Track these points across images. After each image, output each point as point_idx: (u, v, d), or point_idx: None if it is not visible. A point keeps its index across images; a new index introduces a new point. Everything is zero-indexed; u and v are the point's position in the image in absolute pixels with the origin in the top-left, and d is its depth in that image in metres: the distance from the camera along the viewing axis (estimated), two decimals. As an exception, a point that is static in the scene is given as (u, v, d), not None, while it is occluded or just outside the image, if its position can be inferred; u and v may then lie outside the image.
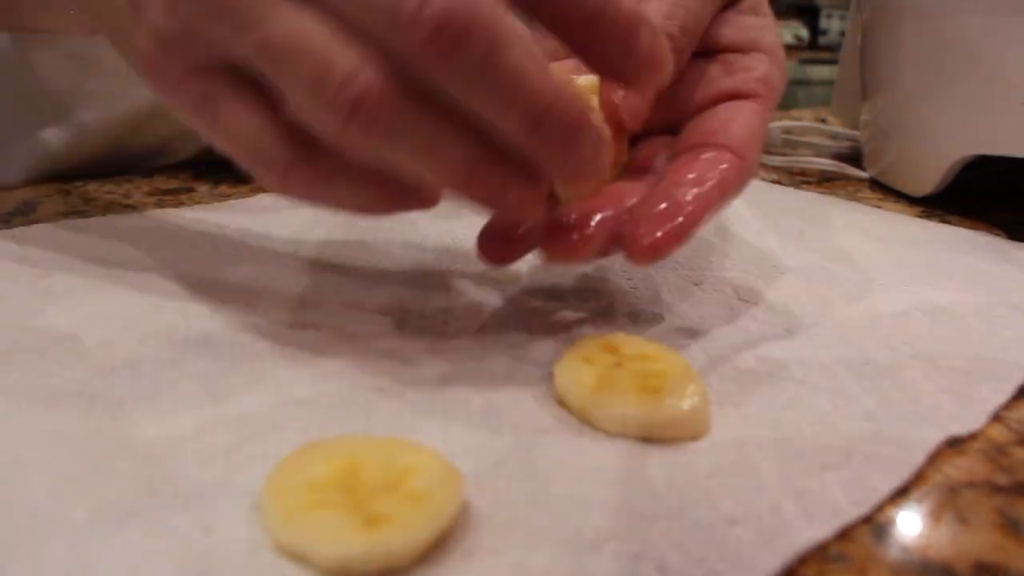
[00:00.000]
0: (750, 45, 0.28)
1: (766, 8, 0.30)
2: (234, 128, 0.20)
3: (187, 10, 0.19)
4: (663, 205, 0.23)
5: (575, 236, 0.24)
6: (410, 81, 0.19)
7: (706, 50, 0.28)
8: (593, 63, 0.22)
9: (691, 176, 0.24)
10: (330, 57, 0.18)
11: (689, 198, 0.24)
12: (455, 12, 0.17)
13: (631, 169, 0.27)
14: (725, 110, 0.27)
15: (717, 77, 0.27)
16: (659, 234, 0.23)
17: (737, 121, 0.26)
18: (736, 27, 0.28)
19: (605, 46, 0.21)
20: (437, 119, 0.19)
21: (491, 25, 0.18)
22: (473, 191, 0.20)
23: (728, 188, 0.25)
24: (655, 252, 0.23)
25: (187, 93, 0.21)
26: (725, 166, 0.25)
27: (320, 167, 0.20)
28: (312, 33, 0.18)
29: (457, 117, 0.19)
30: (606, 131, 0.21)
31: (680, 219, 0.23)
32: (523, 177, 0.20)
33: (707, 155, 0.25)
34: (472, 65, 0.18)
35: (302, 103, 0.19)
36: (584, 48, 0.22)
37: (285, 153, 0.20)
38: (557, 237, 0.24)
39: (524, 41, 0.19)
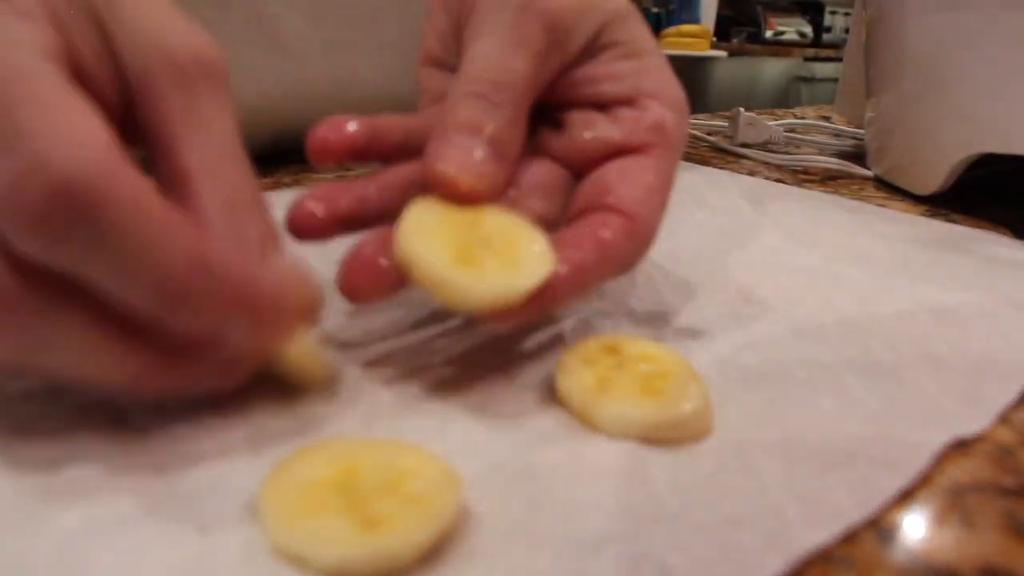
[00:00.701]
0: (633, 92, 0.25)
1: (641, 44, 0.26)
2: None
3: None
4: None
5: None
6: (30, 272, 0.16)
7: (596, 103, 0.26)
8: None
9: (570, 245, 0.22)
10: None
11: (564, 270, 0.21)
12: (57, 191, 0.15)
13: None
14: (614, 169, 0.24)
15: (605, 131, 0.25)
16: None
17: (626, 180, 0.24)
18: (611, 78, 0.25)
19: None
20: (82, 316, 0.17)
21: (110, 197, 0.15)
22: (159, 383, 0.18)
23: (612, 253, 0.22)
24: (502, 319, 0.20)
25: None
26: (608, 233, 0.22)
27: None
28: None
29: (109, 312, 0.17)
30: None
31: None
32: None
33: (590, 220, 0.23)
34: (86, 245, 0.16)
35: None
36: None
37: None
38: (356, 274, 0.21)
39: (148, 201, 0.16)
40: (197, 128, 0.19)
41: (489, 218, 0.21)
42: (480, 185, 0.22)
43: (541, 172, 0.25)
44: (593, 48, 0.25)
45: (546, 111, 0.26)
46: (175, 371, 0.18)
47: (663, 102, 0.25)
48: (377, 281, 0.21)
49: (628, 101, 0.25)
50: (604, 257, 0.22)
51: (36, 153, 0.15)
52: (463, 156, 0.22)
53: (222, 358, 0.18)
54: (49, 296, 0.16)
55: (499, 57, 0.23)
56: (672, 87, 0.26)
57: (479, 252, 0.20)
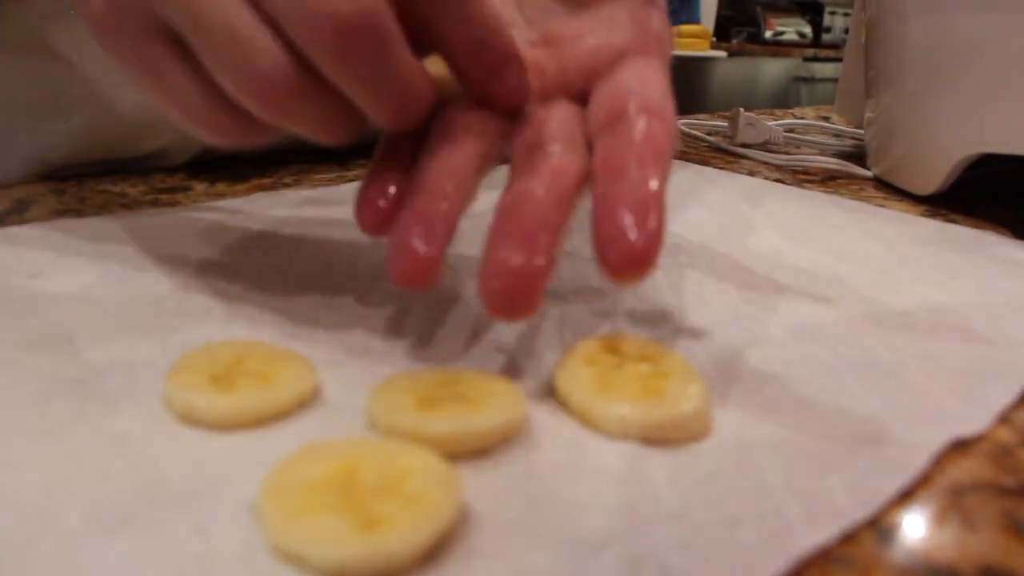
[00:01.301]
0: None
1: None
2: (173, 91, 0.22)
3: None
4: (628, 200, 0.21)
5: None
6: (311, 68, 0.21)
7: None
8: (467, 85, 0.25)
9: (633, 157, 0.22)
10: (251, 44, 0.20)
11: (653, 186, 0.21)
12: (358, 16, 0.20)
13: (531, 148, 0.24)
14: (628, 75, 0.25)
15: (605, 37, 0.26)
16: (640, 239, 0.20)
17: (647, 83, 0.24)
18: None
19: (480, 74, 0.24)
20: (331, 103, 0.22)
21: (388, 32, 0.20)
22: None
23: (665, 153, 0.22)
24: (644, 262, 0.21)
25: (132, 54, 0.22)
26: (660, 136, 0.22)
27: (253, 124, 0.22)
28: (238, 15, 0.20)
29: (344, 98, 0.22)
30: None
31: (652, 214, 0.21)
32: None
33: (637, 129, 0.23)
34: (358, 63, 0.20)
35: (224, 79, 0.21)
36: (462, 71, 0.24)
37: (219, 116, 0.22)
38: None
39: (402, 45, 0.21)
40: None
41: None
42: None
43: (561, 117, 0.25)
44: None
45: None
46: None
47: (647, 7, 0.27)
48: (430, 274, 0.22)
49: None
50: (667, 164, 0.22)
51: None
52: None
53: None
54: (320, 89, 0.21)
55: None
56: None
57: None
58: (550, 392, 0.22)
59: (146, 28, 0.21)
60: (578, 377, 0.21)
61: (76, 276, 0.28)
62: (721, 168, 0.52)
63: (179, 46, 0.21)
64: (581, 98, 0.26)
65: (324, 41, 0.20)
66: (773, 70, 3.33)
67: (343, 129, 0.23)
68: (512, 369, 0.23)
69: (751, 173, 0.51)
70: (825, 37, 3.56)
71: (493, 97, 0.24)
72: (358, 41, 0.20)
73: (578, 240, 0.35)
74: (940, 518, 0.18)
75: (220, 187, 0.42)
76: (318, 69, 0.21)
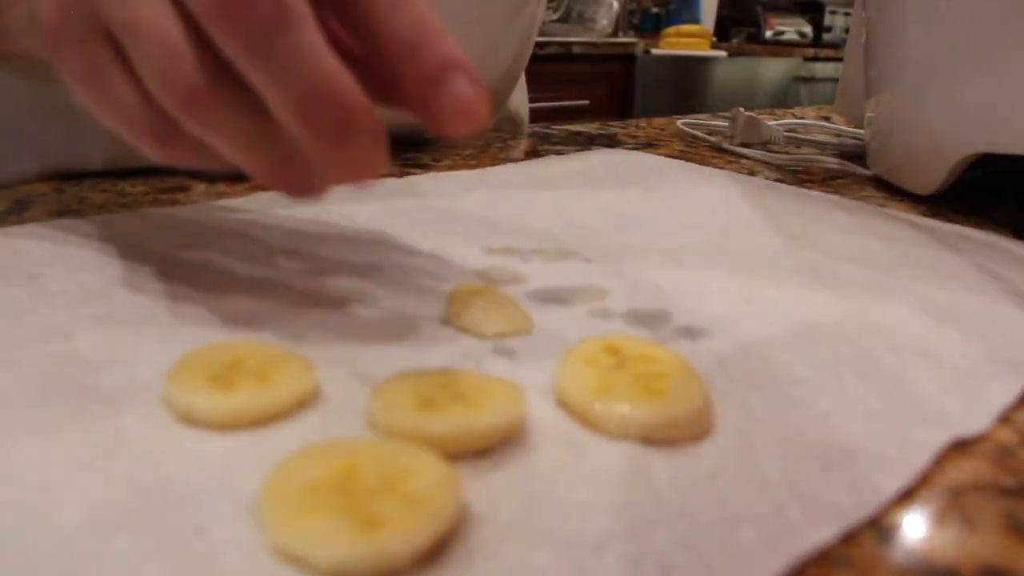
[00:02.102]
0: None
1: None
2: (113, 96, 0.22)
3: None
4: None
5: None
6: (231, 78, 0.21)
7: None
8: (408, 100, 0.23)
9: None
10: (174, 47, 0.21)
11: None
12: None
13: None
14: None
15: None
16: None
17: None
18: None
19: (419, 80, 0.22)
20: (252, 119, 0.22)
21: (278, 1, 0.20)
22: (275, 183, 0.23)
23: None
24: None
25: (77, 59, 0.22)
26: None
27: (185, 136, 0.22)
28: (164, 17, 0.21)
29: (269, 116, 0.21)
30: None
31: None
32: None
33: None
34: (254, 36, 0.20)
35: (149, 82, 0.21)
36: (400, 78, 0.22)
37: (155, 125, 0.22)
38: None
39: (311, 26, 0.20)
40: None
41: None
42: None
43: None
44: None
45: None
46: (282, 171, 0.23)
47: None
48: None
49: None
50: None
51: None
52: None
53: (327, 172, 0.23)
54: (226, 87, 0.21)
55: None
56: None
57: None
58: (550, 392, 0.22)
59: (91, 31, 0.22)
60: (578, 377, 0.21)
61: (76, 276, 0.28)
62: (721, 168, 0.52)
63: (121, 52, 0.22)
64: None
65: (216, 9, 0.20)
66: (773, 70, 3.33)
67: (266, 149, 0.22)
68: (512, 369, 0.23)
69: (751, 173, 0.51)
70: (825, 37, 3.56)
71: (440, 112, 0.22)
72: (247, 7, 0.19)
73: (578, 240, 0.35)
74: (940, 518, 0.18)
75: (220, 187, 0.42)
76: (235, 69, 0.21)
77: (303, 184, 0.24)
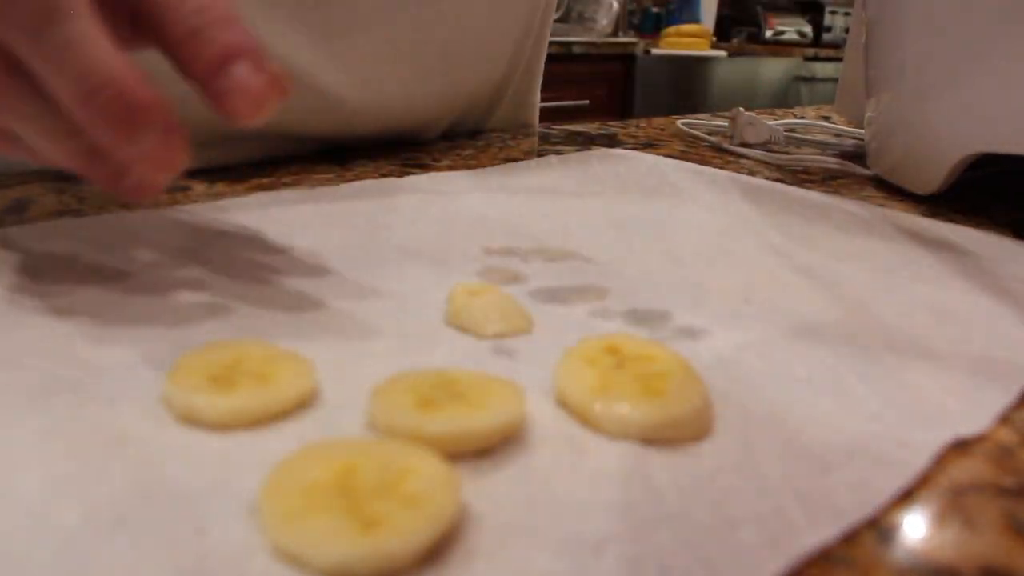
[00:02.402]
0: None
1: None
2: None
3: None
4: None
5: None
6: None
7: None
8: (195, 85, 0.23)
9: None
10: None
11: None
12: None
13: None
14: None
15: None
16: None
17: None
18: None
19: (201, 68, 0.22)
20: (50, 110, 0.21)
21: None
22: (98, 181, 0.24)
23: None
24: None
25: None
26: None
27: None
28: None
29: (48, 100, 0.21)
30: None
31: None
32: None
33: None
34: (27, 28, 0.20)
35: None
36: (184, 66, 0.23)
37: None
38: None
39: (86, 19, 0.20)
40: None
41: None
42: None
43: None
44: None
45: None
46: (96, 167, 0.23)
47: None
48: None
49: None
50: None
51: None
52: None
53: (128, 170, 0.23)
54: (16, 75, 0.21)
55: None
56: None
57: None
58: (550, 392, 0.22)
59: None
60: (578, 377, 0.21)
61: (75, 276, 0.28)
62: (721, 168, 0.52)
63: None
64: None
65: None
66: (773, 70, 3.33)
67: (69, 140, 0.22)
68: (512, 369, 0.23)
69: (751, 173, 0.51)
70: (825, 37, 3.56)
71: (222, 98, 0.22)
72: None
73: (578, 241, 0.35)
74: (940, 518, 0.18)
75: (220, 187, 0.42)
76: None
77: (119, 180, 0.24)
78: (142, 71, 0.21)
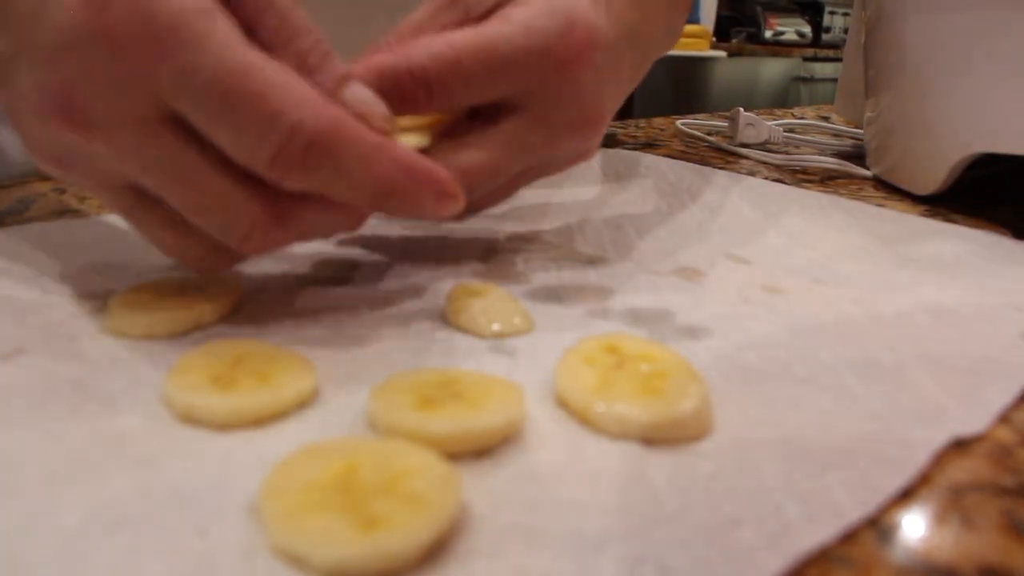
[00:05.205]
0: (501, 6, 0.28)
1: None
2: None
3: None
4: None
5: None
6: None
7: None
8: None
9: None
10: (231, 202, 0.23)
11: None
12: (317, 134, 0.22)
13: None
14: None
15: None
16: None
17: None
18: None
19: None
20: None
21: (344, 140, 0.22)
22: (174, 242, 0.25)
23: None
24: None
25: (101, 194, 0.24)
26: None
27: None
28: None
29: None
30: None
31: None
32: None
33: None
34: (325, 175, 0.23)
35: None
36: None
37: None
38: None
39: (361, 137, 0.23)
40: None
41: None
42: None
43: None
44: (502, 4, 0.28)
45: None
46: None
47: (522, 4, 0.27)
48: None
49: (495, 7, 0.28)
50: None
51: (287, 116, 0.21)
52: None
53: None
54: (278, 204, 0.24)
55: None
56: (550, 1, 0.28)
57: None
58: (550, 392, 0.22)
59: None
60: (578, 377, 0.21)
61: (76, 276, 0.28)
62: (721, 168, 0.52)
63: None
64: None
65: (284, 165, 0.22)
66: (773, 70, 3.33)
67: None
68: (512, 369, 0.23)
69: (751, 173, 0.51)
70: (825, 37, 3.56)
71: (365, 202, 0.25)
72: (324, 155, 0.22)
73: (578, 240, 0.35)
74: (940, 518, 0.18)
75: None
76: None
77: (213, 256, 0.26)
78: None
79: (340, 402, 0.21)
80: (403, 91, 0.26)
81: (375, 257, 0.32)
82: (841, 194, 0.47)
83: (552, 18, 0.27)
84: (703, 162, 0.54)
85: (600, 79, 0.29)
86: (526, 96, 0.28)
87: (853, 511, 0.17)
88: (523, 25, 0.27)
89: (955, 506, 0.18)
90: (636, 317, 0.27)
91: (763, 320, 0.27)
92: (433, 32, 0.28)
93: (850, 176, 0.52)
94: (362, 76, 0.25)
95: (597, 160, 0.51)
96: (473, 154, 0.28)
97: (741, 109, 0.60)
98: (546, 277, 0.31)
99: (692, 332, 0.26)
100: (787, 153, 0.58)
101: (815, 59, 3.42)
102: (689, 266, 0.32)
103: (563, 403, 0.21)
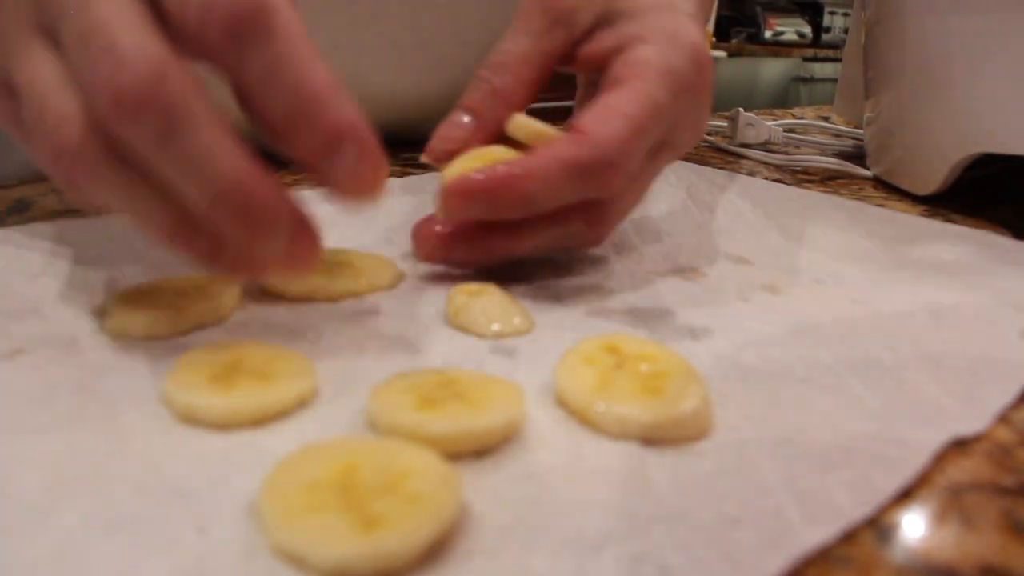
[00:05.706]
0: (626, 41, 0.29)
1: (644, 3, 0.30)
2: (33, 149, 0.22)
3: None
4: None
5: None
6: (114, 140, 0.20)
7: (597, 67, 0.30)
8: (302, 165, 0.22)
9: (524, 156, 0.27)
10: (47, 103, 0.20)
11: (516, 170, 0.26)
12: (138, 88, 0.19)
13: None
14: (588, 107, 0.28)
15: (601, 80, 0.29)
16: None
17: (589, 108, 0.27)
18: (612, 36, 0.30)
19: (307, 151, 0.21)
20: (135, 179, 0.21)
21: (173, 105, 0.19)
22: (181, 249, 0.22)
23: (560, 156, 0.26)
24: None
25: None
26: (560, 144, 0.27)
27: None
28: (45, 79, 0.21)
29: (156, 180, 0.21)
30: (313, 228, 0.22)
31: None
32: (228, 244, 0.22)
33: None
34: (150, 138, 0.19)
35: (30, 140, 0.22)
36: (289, 147, 0.22)
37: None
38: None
39: (206, 126, 0.20)
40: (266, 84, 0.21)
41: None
42: (439, 146, 0.29)
43: None
44: (603, 21, 0.30)
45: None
46: (217, 255, 0.22)
47: (649, 41, 0.29)
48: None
49: (618, 50, 0.29)
50: (553, 159, 0.26)
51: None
52: (443, 128, 0.29)
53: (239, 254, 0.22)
54: (121, 162, 0.21)
55: (502, 41, 0.30)
56: (667, 29, 0.29)
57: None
58: (550, 392, 0.22)
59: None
60: (578, 377, 0.21)
61: (77, 276, 0.28)
62: (721, 168, 0.52)
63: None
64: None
65: (106, 110, 0.19)
66: (773, 70, 3.33)
67: (162, 226, 0.21)
68: (512, 369, 0.23)
69: (751, 173, 0.51)
70: (825, 37, 3.55)
71: (334, 181, 0.22)
72: (141, 113, 0.19)
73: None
74: (940, 518, 0.18)
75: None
76: (120, 144, 0.20)
77: (241, 265, 0.23)
78: (270, 173, 0.21)
79: (340, 402, 0.21)
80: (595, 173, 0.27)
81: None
82: (841, 194, 0.47)
83: (682, 54, 0.28)
84: (703, 162, 0.54)
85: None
86: (669, 131, 0.29)
87: (853, 511, 0.17)
88: (659, 72, 0.28)
89: (955, 506, 0.18)
90: (636, 317, 0.27)
91: (763, 320, 0.27)
92: (541, 61, 0.30)
93: (850, 176, 0.52)
94: (549, 168, 0.26)
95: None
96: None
97: (741, 109, 0.60)
98: (548, 277, 0.30)
99: (692, 332, 0.26)
100: (787, 153, 0.58)
101: (815, 59, 3.42)
102: (689, 266, 0.32)
103: (563, 403, 0.21)
